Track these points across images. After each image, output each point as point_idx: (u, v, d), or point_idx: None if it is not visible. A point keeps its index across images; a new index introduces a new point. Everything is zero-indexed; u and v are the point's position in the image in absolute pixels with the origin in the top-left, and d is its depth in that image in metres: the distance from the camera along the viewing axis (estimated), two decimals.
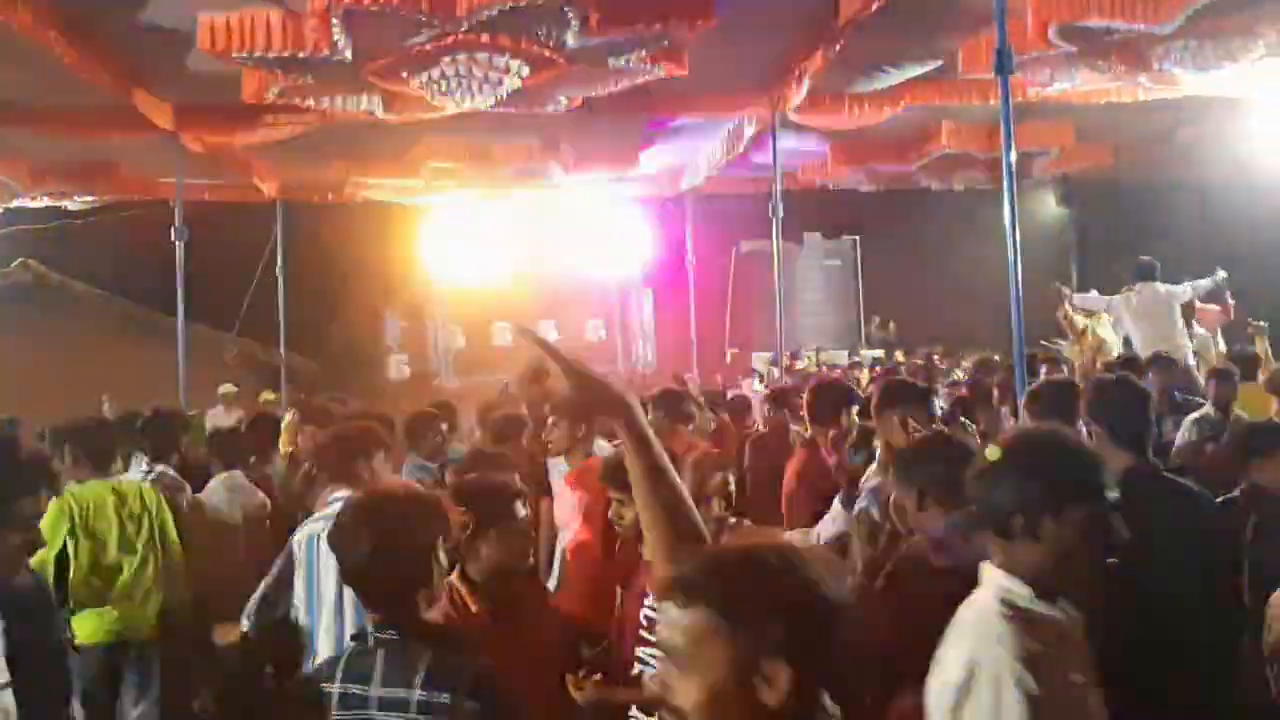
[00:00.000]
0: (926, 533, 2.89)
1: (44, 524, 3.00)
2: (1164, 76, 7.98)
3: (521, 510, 3.13)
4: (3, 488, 2.60)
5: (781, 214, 9.22)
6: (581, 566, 4.40)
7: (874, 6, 6.52)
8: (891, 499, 3.13)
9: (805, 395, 5.25)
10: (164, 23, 7.12)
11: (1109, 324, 10.69)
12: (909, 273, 15.25)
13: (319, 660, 2.97)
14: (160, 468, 5.57)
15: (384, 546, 2.43)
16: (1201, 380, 7.59)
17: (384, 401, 10.90)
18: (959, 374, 10.56)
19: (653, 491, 1.84)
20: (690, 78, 7.61)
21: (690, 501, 1.87)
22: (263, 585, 4.09)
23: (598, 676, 3.10)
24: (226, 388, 12.09)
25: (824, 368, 13.20)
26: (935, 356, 12.53)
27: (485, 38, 6.54)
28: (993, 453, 2.12)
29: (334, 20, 6.31)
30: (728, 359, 15.29)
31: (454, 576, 2.98)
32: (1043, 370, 7.47)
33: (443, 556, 2.58)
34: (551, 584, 4.58)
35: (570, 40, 6.70)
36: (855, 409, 4.90)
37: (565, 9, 6.26)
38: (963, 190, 13.11)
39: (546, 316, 15.19)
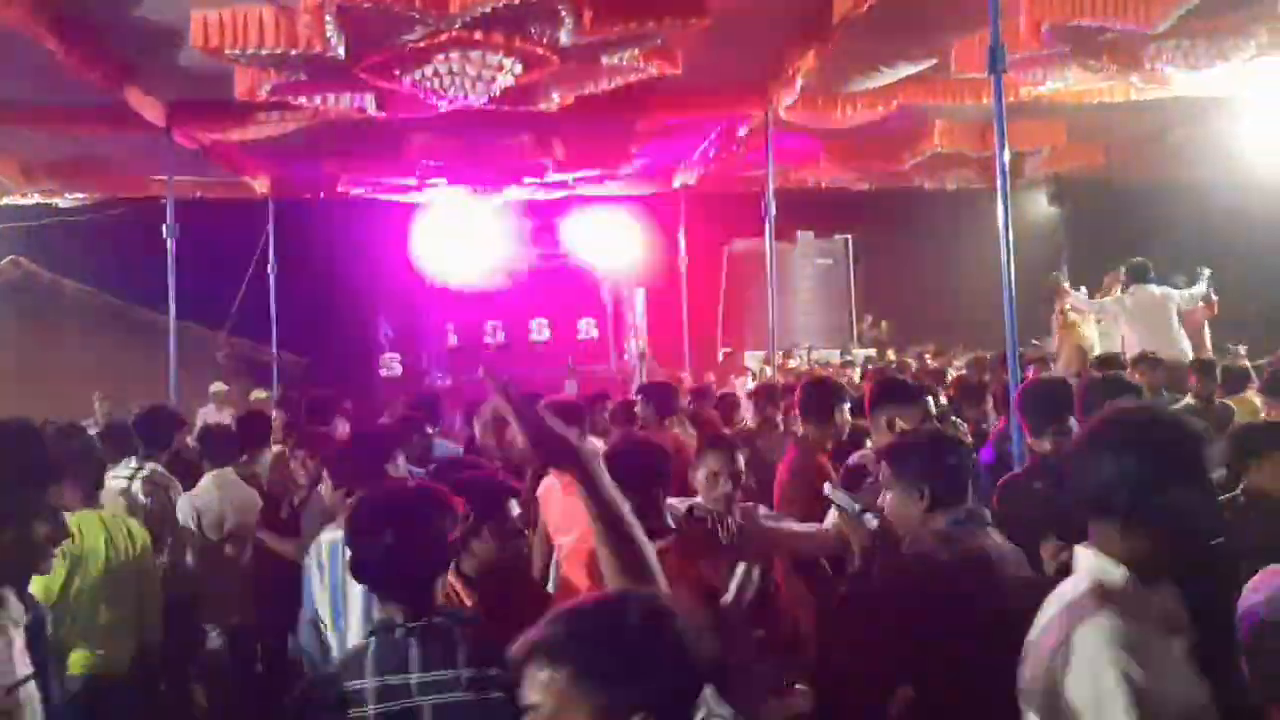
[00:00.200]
0: (922, 530, 2.89)
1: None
2: (1156, 76, 8.01)
3: (515, 508, 3.15)
4: (28, 474, 2.53)
5: (774, 213, 9.23)
6: (575, 572, 4.38)
7: (867, 6, 6.50)
8: (887, 497, 3.13)
9: (798, 393, 5.25)
10: (156, 19, 7.09)
11: (1093, 323, 10.77)
12: (902, 272, 15.24)
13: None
14: (150, 465, 5.53)
15: (404, 536, 2.48)
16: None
17: (375, 399, 10.88)
18: (952, 373, 10.57)
19: (603, 539, 1.91)
20: (683, 76, 7.62)
21: (643, 542, 1.92)
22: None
23: None
24: (217, 386, 12.10)
25: (815, 366, 13.19)
26: (927, 356, 12.54)
27: (478, 35, 6.53)
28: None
29: (327, 17, 6.30)
30: (720, 358, 15.29)
31: (448, 573, 2.98)
32: (1030, 371, 7.46)
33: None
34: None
35: (563, 38, 6.70)
36: (847, 407, 4.91)
37: (559, 7, 6.26)
38: (955, 189, 13.15)
39: (538, 315, 15.16)
